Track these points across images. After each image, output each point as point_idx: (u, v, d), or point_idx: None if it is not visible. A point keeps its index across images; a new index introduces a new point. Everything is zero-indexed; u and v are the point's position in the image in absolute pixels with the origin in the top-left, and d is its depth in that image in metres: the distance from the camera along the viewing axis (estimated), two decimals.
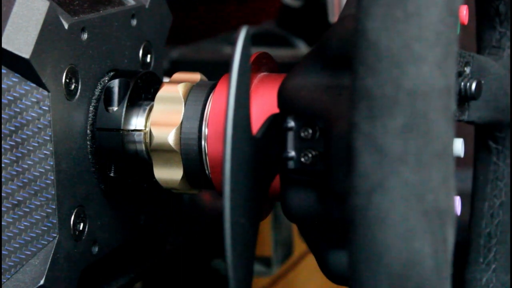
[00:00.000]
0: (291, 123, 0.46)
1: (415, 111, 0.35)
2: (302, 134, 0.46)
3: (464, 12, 0.51)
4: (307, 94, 0.46)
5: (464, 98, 0.53)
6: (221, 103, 0.55)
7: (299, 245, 0.97)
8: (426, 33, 0.35)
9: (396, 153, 0.35)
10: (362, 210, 0.35)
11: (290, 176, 0.47)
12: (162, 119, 0.56)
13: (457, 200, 0.49)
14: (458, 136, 0.45)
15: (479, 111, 0.55)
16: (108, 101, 0.57)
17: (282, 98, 0.47)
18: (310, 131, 0.46)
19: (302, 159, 0.46)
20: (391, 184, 0.35)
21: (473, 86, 0.52)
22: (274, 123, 0.47)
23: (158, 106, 0.56)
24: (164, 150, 0.55)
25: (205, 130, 0.55)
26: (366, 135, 0.35)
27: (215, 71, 0.60)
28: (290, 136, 0.46)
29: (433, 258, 0.35)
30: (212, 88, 0.57)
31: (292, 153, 0.46)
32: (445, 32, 0.35)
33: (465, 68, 0.53)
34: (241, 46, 0.40)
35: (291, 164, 0.46)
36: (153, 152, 0.56)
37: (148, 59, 0.63)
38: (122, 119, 0.56)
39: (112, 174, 0.57)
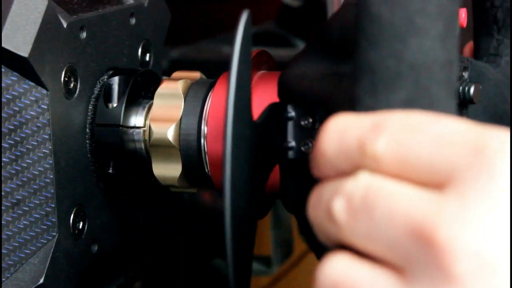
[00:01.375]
0: (292, 113, 0.46)
1: (417, 84, 0.35)
2: (302, 123, 0.46)
3: (463, 15, 0.51)
4: (307, 81, 0.46)
5: (462, 103, 0.53)
6: (220, 100, 0.55)
7: (299, 245, 0.97)
8: (428, 6, 0.35)
9: None
10: None
11: (290, 166, 0.47)
12: (161, 114, 0.56)
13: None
14: None
15: (477, 116, 0.55)
16: (108, 98, 0.56)
17: (283, 86, 0.47)
18: (310, 119, 0.46)
19: (302, 148, 0.47)
20: None
21: (472, 89, 0.52)
22: (274, 112, 0.47)
23: (158, 102, 0.56)
24: (163, 146, 0.55)
25: (204, 128, 0.55)
26: (369, 109, 0.35)
27: (215, 71, 0.60)
28: (290, 125, 0.46)
29: None
30: (211, 86, 0.57)
31: (292, 143, 0.47)
32: (447, 5, 0.35)
33: (464, 73, 0.53)
34: (243, 25, 0.40)
35: (291, 154, 0.46)
36: (152, 147, 0.56)
37: (147, 58, 0.63)
38: (122, 115, 0.56)
39: (110, 171, 0.57)
